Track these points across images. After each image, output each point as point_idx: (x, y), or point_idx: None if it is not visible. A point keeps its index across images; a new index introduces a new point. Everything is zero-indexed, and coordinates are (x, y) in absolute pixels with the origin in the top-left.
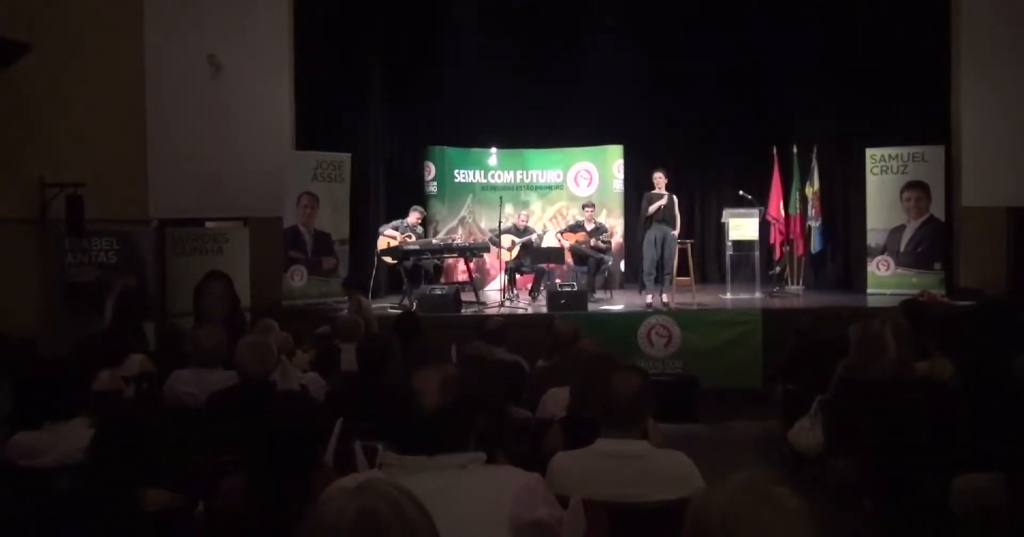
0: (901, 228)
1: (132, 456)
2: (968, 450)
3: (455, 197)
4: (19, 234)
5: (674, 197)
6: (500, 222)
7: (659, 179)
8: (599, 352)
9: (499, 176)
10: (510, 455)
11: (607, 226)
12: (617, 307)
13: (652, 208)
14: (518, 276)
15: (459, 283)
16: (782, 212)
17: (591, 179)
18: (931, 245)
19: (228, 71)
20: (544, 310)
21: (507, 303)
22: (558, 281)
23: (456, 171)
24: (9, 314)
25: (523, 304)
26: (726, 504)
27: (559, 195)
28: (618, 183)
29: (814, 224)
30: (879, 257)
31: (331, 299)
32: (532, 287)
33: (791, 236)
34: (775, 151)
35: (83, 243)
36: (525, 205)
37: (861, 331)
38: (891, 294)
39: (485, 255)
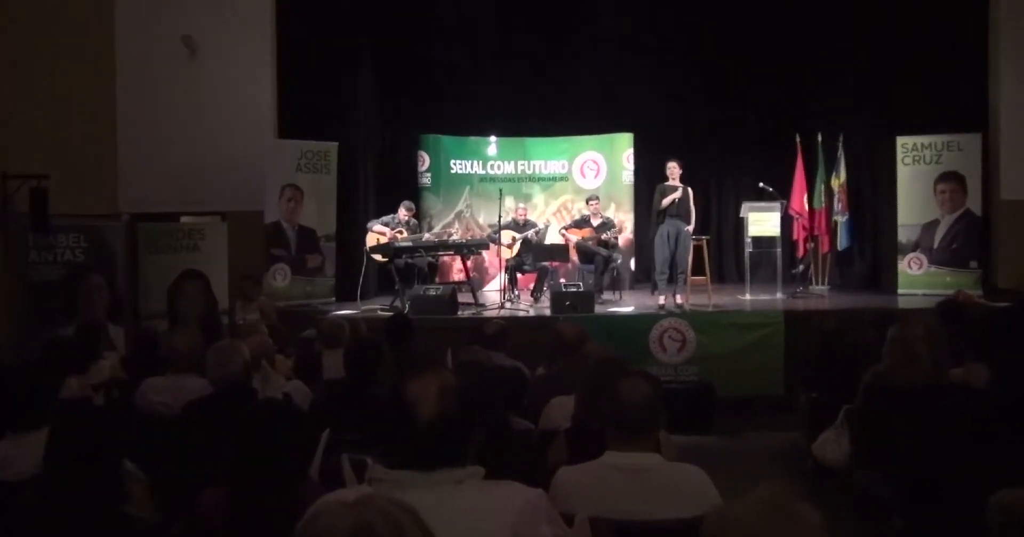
0: (935, 223)
1: (90, 467)
2: (1006, 463)
3: (451, 189)
4: None
5: (689, 189)
6: (500, 217)
7: (673, 170)
8: (607, 357)
9: (499, 167)
10: (511, 469)
11: (616, 221)
12: (627, 309)
13: (665, 201)
14: (519, 275)
15: (455, 283)
16: (806, 206)
17: (598, 170)
18: (967, 241)
19: (205, 53)
20: (547, 312)
21: (507, 304)
22: (562, 281)
23: (452, 161)
24: None
25: (524, 306)
26: (744, 521)
27: (564, 187)
28: (628, 174)
29: (840, 219)
30: (911, 255)
31: (317, 300)
32: (534, 287)
33: (816, 232)
34: (798, 140)
35: (48, 239)
36: (527, 198)
37: (895, 333)
38: (923, 294)
39: (483, 252)
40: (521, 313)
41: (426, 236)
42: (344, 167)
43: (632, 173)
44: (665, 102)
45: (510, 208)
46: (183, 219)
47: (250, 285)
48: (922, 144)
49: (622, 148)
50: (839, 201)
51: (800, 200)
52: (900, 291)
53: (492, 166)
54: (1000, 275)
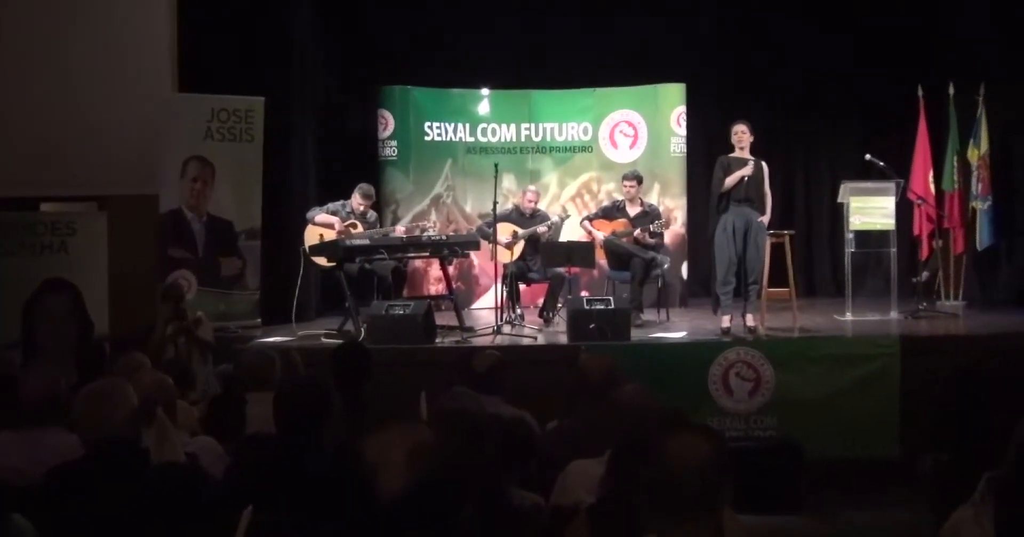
0: None
1: None
2: None
3: (426, 164)
4: None
5: (763, 164)
6: (495, 203)
7: (741, 136)
8: (648, 405)
9: (494, 132)
10: None
11: (661, 209)
12: (677, 334)
13: (730, 181)
14: (523, 286)
15: (432, 298)
16: (932, 187)
17: (636, 136)
18: None
19: None
20: (563, 339)
21: (506, 328)
22: (585, 294)
23: (427, 124)
24: None
25: (531, 330)
26: None
27: (587, 161)
28: (678, 142)
29: (981, 206)
30: None
31: (235, 322)
32: (544, 304)
33: (946, 224)
34: (921, 93)
35: None
36: (534, 177)
37: None
38: None
39: (472, 254)
40: (526, 341)
41: (397, 230)
42: (274, 132)
43: (684, 141)
44: (730, 41)
45: (510, 191)
46: (44, 206)
47: (176, 292)
48: None
49: (670, 105)
50: (979, 181)
51: (923, 179)
52: None
53: (484, 130)
54: None
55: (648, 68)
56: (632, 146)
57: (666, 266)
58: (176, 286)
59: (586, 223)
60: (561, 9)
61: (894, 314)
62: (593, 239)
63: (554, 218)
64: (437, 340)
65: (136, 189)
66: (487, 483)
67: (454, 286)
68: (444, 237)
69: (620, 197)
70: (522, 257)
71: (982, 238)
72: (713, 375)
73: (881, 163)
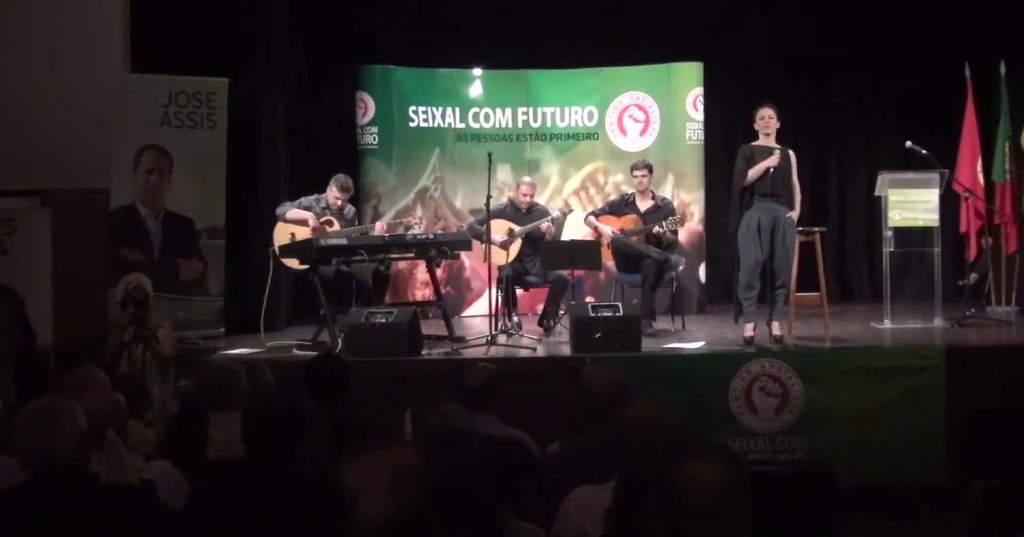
0: None
1: None
2: None
3: (411, 153)
4: None
5: (791, 154)
6: (489, 198)
7: (767, 121)
8: (661, 424)
9: (488, 117)
10: None
11: (675, 204)
12: (694, 345)
13: (754, 172)
14: (520, 291)
15: (417, 304)
16: (981, 179)
17: (647, 122)
18: None
19: None
20: (566, 351)
21: (502, 338)
22: (590, 300)
23: (412, 109)
24: None
25: (529, 340)
26: None
27: (591, 150)
28: (695, 129)
29: None
30: None
31: (196, 332)
32: (545, 311)
33: (997, 220)
34: (968, 73)
35: None
36: (533, 167)
37: None
38: None
39: (463, 255)
40: (524, 352)
41: (378, 227)
42: (239, 118)
43: (702, 127)
44: (753, 14)
45: (505, 183)
46: None
47: (140, 296)
48: None
49: (686, 87)
50: None
51: (971, 169)
52: None
53: (477, 115)
54: None
55: (661, 45)
56: (643, 133)
57: (681, 268)
58: (140, 289)
59: (591, 219)
60: None
61: (938, 321)
62: (599, 237)
63: (555, 213)
64: (424, 352)
65: (84, 182)
66: (480, 512)
67: (442, 291)
68: (431, 236)
69: (629, 190)
70: (519, 258)
71: None
72: (734, 390)
73: (923, 151)
